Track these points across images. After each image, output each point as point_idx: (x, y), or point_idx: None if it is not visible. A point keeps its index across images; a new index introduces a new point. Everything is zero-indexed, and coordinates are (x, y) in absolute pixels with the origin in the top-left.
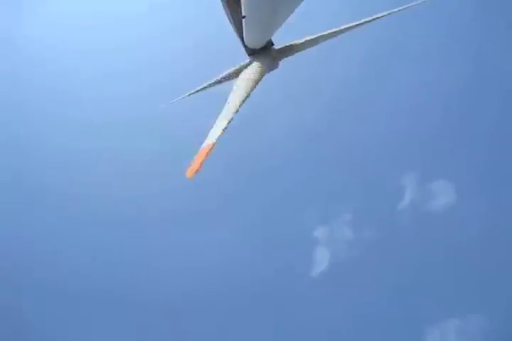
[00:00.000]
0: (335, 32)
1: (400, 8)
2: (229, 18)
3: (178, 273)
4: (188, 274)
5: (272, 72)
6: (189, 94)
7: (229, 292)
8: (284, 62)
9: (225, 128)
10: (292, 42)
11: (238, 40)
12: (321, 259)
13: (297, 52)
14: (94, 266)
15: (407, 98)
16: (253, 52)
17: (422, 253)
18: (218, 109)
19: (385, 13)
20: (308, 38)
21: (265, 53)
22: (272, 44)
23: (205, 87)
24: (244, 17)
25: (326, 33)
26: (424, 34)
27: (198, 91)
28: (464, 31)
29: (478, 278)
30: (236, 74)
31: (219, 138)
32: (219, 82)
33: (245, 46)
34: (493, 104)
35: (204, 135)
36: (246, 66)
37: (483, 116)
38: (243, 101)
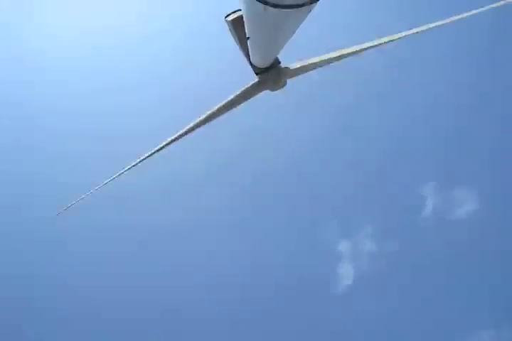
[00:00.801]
0: (344, 54)
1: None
2: (235, 39)
3: (202, 289)
4: (213, 289)
5: (279, 90)
6: (191, 128)
7: (254, 309)
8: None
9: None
10: (300, 62)
11: (245, 60)
12: (346, 273)
13: (305, 72)
14: None
15: (421, 106)
16: (260, 72)
17: (446, 262)
18: None
19: (392, 37)
20: (316, 58)
21: (272, 72)
22: (279, 62)
23: (212, 115)
24: (248, 38)
25: (335, 54)
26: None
27: (202, 122)
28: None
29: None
30: (247, 95)
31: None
32: (230, 105)
33: (253, 66)
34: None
35: None
36: (255, 86)
37: (500, 122)
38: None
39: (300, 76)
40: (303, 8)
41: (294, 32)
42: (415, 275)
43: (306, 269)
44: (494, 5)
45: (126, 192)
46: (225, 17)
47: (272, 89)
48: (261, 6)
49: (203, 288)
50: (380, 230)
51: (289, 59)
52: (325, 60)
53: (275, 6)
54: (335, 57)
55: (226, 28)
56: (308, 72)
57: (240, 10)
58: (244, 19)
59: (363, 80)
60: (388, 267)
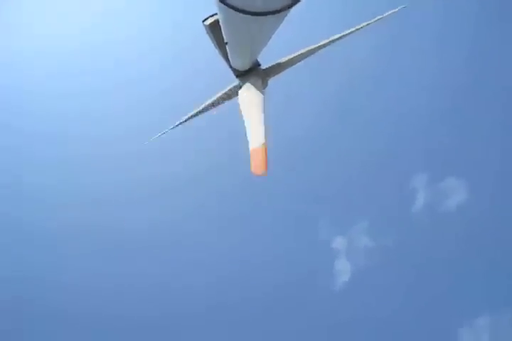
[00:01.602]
0: (318, 46)
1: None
2: (213, 43)
3: (200, 287)
4: (210, 288)
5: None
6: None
7: (251, 308)
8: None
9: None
10: (278, 61)
11: (225, 63)
12: (342, 269)
13: (284, 69)
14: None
15: (411, 97)
16: (241, 74)
17: (441, 254)
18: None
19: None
20: (293, 55)
21: (253, 74)
22: (259, 64)
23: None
24: (226, 43)
25: (309, 48)
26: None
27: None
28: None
29: (502, 273)
30: (227, 97)
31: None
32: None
33: (232, 68)
34: (502, 100)
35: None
36: (235, 88)
37: (491, 112)
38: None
39: (280, 74)
40: (277, 14)
41: (271, 36)
42: (412, 268)
43: (301, 267)
44: None
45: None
46: (203, 21)
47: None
48: (234, 12)
49: (197, 287)
50: (373, 224)
51: (268, 59)
52: (302, 55)
53: (248, 13)
54: (310, 51)
55: (204, 31)
56: (288, 69)
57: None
58: (220, 24)
59: (345, 71)
60: (384, 261)
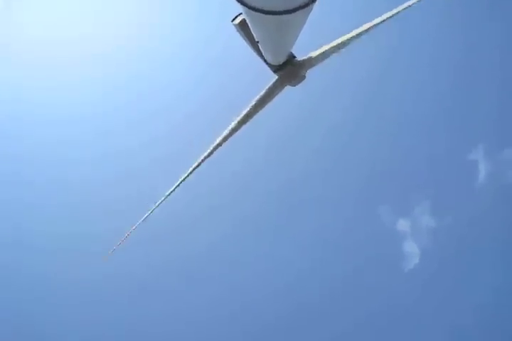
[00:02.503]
0: (351, 37)
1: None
2: (246, 41)
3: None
4: (282, 276)
5: (300, 83)
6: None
7: (324, 294)
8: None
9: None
10: (313, 53)
11: (260, 59)
12: (410, 252)
13: (321, 61)
14: None
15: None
16: (277, 69)
17: (506, 228)
18: None
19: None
20: (326, 46)
21: (289, 67)
22: (294, 57)
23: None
24: (258, 42)
25: (343, 39)
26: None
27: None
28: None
29: None
30: (271, 94)
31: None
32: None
33: (268, 64)
34: None
35: None
36: (276, 83)
37: None
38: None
39: (318, 65)
40: (301, 10)
41: (300, 30)
42: (477, 245)
43: (370, 251)
44: None
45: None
46: (232, 20)
47: (293, 85)
48: (258, 13)
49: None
50: (436, 204)
51: (303, 50)
52: (338, 45)
53: (271, 13)
54: (346, 40)
55: (234, 30)
56: (325, 60)
57: None
58: (248, 23)
59: (384, 57)
60: (449, 241)
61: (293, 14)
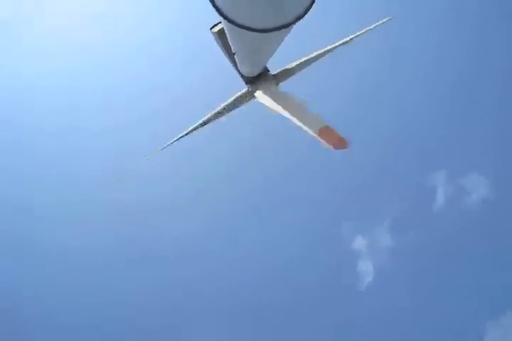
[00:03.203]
0: (326, 51)
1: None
2: (222, 50)
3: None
4: (235, 291)
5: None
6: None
7: (276, 310)
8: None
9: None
10: (287, 66)
11: (234, 69)
12: (365, 270)
13: (293, 74)
14: None
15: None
16: (250, 80)
17: (467, 251)
18: None
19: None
20: (302, 59)
21: (262, 80)
22: (268, 70)
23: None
24: (234, 53)
25: (318, 52)
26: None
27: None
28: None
29: None
30: (238, 103)
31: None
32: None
33: (241, 75)
34: None
35: None
36: (245, 94)
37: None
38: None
39: (290, 79)
40: (282, 30)
41: (279, 46)
42: (435, 266)
43: (325, 267)
44: None
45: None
46: (211, 28)
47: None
48: (238, 28)
49: (222, 290)
50: (394, 224)
51: (276, 64)
52: (310, 59)
53: (252, 30)
54: (319, 55)
55: (212, 38)
56: (297, 74)
57: None
58: (226, 35)
59: (354, 73)
60: (407, 260)
61: (276, 32)
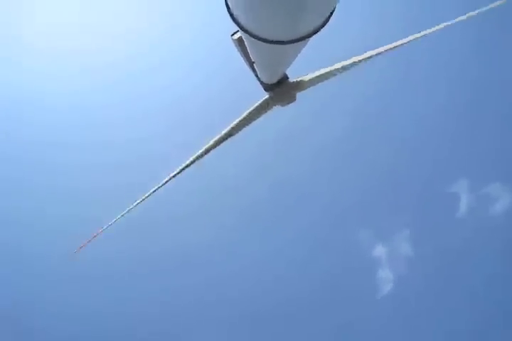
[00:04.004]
0: (347, 65)
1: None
2: (242, 57)
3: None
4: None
5: (290, 104)
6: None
7: (291, 316)
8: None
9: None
10: (307, 76)
11: (254, 76)
12: (385, 278)
13: (312, 85)
14: None
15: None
16: (269, 88)
17: (487, 261)
18: None
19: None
20: (322, 71)
21: (281, 87)
22: (287, 78)
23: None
24: (254, 62)
25: (338, 66)
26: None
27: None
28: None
29: None
30: (259, 111)
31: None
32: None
33: (261, 81)
34: None
35: None
36: (265, 101)
37: None
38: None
39: (310, 89)
40: (301, 42)
41: (296, 56)
42: (455, 277)
43: (345, 276)
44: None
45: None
46: (232, 34)
47: (282, 105)
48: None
49: (239, 296)
50: (415, 232)
51: (297, 71)
52: (332, 71)
53: (270, 42)
54: (341, 68)
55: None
56: (317, 85)
57: None
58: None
59: (375, 83)
60: (427, 270)
61: (294, 44)
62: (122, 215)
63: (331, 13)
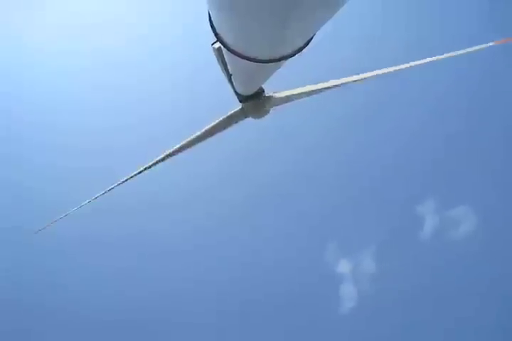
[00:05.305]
0: (327, 87)
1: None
2: (220, 66)
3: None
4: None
5: (262, 118)
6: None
7: (256, 331)
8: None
9: None
10: (283, 92)
11: (230, 87)
12: (347, 295)
13: (287, 101)
14: None
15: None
16: (244, 99)
17: (448, 283)
18: None
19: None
20: (300, 89)
21: (255, 100)
22: (263, 91)
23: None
24: (231, 75)
25: (318, 86)
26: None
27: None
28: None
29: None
30: (229, 122)
31: None
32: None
33: (236, 93)
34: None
35: None
36: (237, 113)
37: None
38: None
39: (284, 105)
40: (281, 61)
41: (274, 72)
42: (416, 296)
43: (307, 290)
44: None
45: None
46: (212, 43)
47: (254, 117)
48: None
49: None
50: (379, 250)
51: (274, 86)
52: (309, 92)
53: (250, 60)
54: (319, 89)
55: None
56: (291, 102)
57: None
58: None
59: (349, 107)
60: (389, 288)
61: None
62: (89, 202)
63: (312, 37)
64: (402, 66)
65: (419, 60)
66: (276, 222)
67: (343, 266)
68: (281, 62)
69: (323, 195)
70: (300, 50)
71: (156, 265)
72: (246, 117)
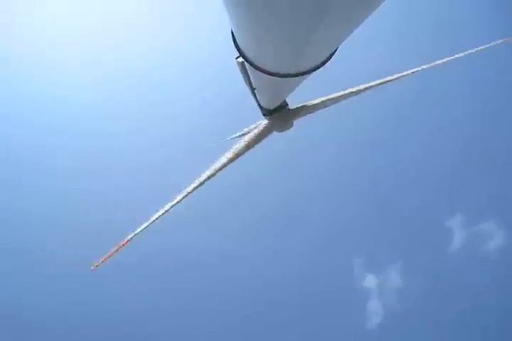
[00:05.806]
0: (348, 94)
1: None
2: (245, 80)
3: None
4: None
5: (286, 131)
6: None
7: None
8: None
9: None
10: (306, 103)
11: (254, 100)
12: (374, 310)
13: (311, 112)
14: None
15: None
16: (268, 112)
17: (476, 298)
18: None
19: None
20: (322, 98)
21: (279, 113)
22: (287, 104)
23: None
24: (254, 89)
25: (338, 94)
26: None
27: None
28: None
29: None
30: (259, 139)
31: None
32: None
33: (261, 106)
34: None
35: None
36: (264, 128)
37: None
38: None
39: (307, 116)
40: (304, 75)
41: (297, 86)
42: (445, 312)
43: (334, 305)
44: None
45: None
46: (236, 57)
47: (279, 131)
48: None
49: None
50: (408, 265)
51: (297, 98)
52: (331, 100)
53: (272, 74)
54: (340, 96)
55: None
56: (316, 113)
57: None
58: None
59: (373, 114)
60: (417, 304)
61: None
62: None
63: (335, 51)
64: (415, 69)
65: (429, 63)
66: (303, 238)
67: (370, 281)
68: (305, 75)
69: (350, 209)
70: (324, 63)
71: (181, 280)
72: (271, 131)
